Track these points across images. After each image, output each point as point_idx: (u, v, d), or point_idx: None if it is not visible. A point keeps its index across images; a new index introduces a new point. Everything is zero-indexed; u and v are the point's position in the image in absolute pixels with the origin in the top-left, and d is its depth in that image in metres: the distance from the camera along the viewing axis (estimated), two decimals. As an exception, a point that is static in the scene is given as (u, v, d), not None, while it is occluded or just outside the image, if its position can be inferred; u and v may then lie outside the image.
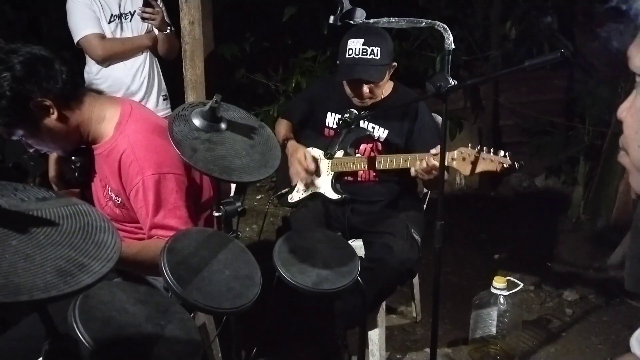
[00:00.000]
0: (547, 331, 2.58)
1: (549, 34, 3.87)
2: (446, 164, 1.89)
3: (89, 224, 0.77)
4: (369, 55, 1.99)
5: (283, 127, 2.36)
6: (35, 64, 1.41)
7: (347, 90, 2.12)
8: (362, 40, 2.00)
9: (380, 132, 2.18)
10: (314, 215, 2.19)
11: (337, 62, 2.12)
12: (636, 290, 2.39)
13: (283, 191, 2.33)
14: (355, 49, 2.01)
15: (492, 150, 1.86)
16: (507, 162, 1.81)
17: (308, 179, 2.22)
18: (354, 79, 2.06)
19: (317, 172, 2.26)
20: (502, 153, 1.84)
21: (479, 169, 1.86)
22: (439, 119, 2.25)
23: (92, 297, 0.96)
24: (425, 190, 2.44)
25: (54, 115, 1.46)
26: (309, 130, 2.34)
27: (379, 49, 1.99)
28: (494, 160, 1.83)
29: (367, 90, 2.06)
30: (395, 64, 2.13)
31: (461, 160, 1.88)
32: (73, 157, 1.63)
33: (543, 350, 2.45)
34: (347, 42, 2.04)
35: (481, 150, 1.87)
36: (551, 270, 3.15)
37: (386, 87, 2.19)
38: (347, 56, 2.03)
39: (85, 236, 0.75)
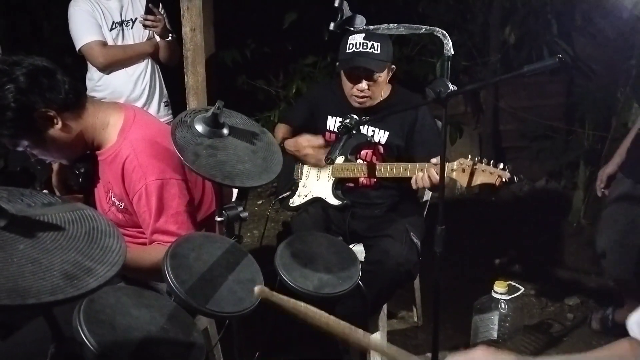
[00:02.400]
0: (549, 336, 2.58)
1: (548, 38, 3.89)
2: (445, 175, 1.90)
3: (94, 228, 0.78)
4: (369, 49, 2.04)
5: (281, 131, 2.37)
6: (38, 75, 1.42)
7: (346, 88, 2.14)
8: (362, 35, 2.04)
9: (381, 135, 2.20)
10: (315, 219, 2.20)
11: (337, 60, 2.14)
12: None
13: (284, 195, 2.34)
14: (356, 42, 2.06)
15: (492, 162, 1.88)
16: (506, 176, 1.83)
17: (324, 154, 2.13)
18: (353, 72, 2.09)
19: (317, 177, 2.27)
20: (501, 166, 1.85)
21: (478, 181, 1.88)
22: (439, 124, 2.27)
23: (97, 301, 0.97)
24: (425, 196, 2.45)
25: (58, 125, 1.47)
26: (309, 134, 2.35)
27: (379, 44, 2.04)
28: (493, 173, 1.85)
29: (366, 87, 2.08)
30: (394, 67, 2.15)
31: (460, 171, 1.90)
32: (77, 163, 1.65)
33: (544, 355, 2.45)
34: (347, 39, 2.09)
35: (480, 161, 1.88)
36: (552, 274, 3.15)
37: (385, 89, 2.20)
38: (347, 51, 2.07)
39: (91, 241, 0.76)
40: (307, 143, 2.19)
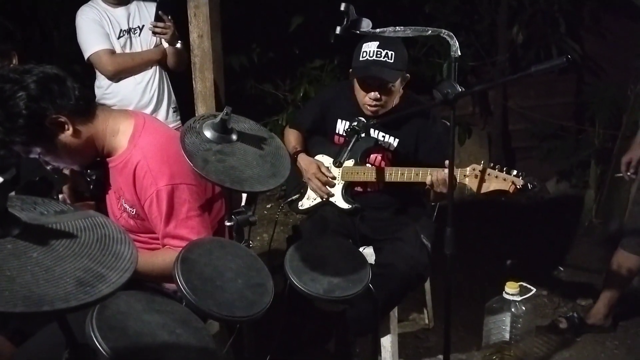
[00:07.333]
0: (561, 336, 2.56)
1: (556, 37, 3.87)
2: (458, 180, 1.89)
3: (106, 235, 0.79)
4: (383, 58, 2.01)
5: (292, 136, 2.38)
6: (48, 83, 1.44)
7: (359, 96, 2.12)
8: (377, 44, 2.02)
9: (391, 141, 2.19)
10: (324, 223, 2.20)
11: (351, 68, 2.12)
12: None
13: (293, 197, 2.35)
14: (370, 51, 2.02)
15: (505, 168, 1.86)
16: (519, 183, 1.81)
17: (331, 192, 2.22)
18: (366, 81, 2.06)
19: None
20: (514, 172, 1.83)
21: (490, 187, 1.86)
22: (448, 125, 2.26)
23: (109, 307, 0.99)
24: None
25: (69, 131, 1.49)
26: (319, 137, 2.35)
27: (393, 53, 2.01)
28: (506, 180, 1.83)
29: (379, 96, 2.06)
30: (408, 75, 2.13)
31: (473, 177, 1.88)
32: (88, 171, 1.67)
33: (557, 356, 2.43)
34: (361, 46, 2.06)
35: (494, 167, 1.87)
36: (564, 275, 3.13)
37: (397, 97, 2.19)
38: (361, 58, 2.04)
39: (103, 247, 0.77)
40: (318, 172, 2.20)
